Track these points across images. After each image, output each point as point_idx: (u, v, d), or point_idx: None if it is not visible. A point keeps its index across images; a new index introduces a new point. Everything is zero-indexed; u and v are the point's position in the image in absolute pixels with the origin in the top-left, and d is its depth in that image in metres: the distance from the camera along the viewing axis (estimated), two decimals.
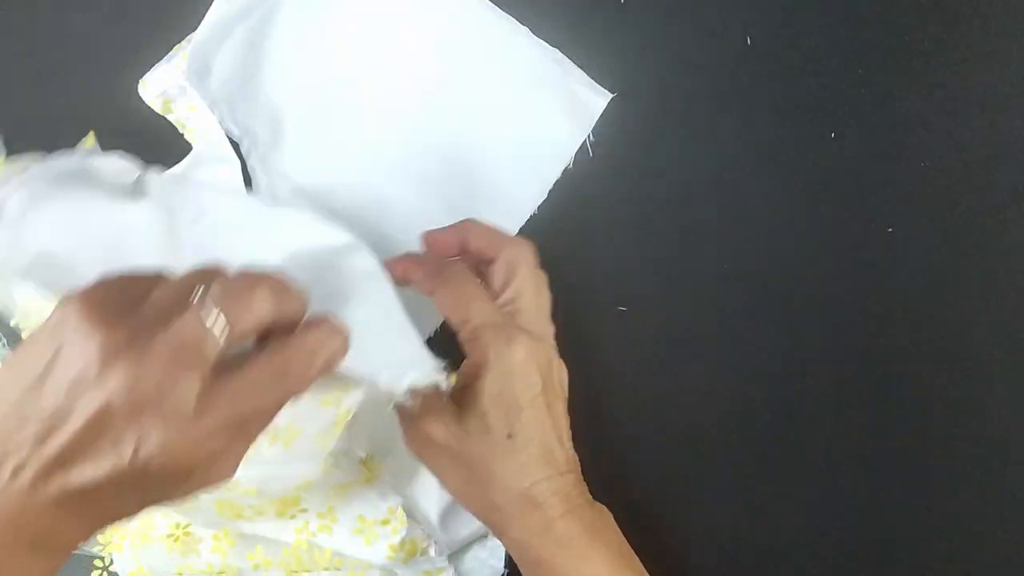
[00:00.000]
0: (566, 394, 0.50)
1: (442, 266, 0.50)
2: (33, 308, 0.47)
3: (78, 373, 0.35)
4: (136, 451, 0.35)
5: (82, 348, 0.35)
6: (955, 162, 0.57)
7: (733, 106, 0.58)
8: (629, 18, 0.59)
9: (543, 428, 0.48)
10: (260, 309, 0.38)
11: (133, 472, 0.36)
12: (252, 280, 0.39)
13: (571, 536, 0.47)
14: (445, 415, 0.48)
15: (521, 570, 0.49)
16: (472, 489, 0.49)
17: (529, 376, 0.48)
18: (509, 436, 0.47)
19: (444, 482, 0.50)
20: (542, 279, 0.51)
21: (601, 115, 0.58)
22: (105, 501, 0.37)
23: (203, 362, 0.36)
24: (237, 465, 0.39)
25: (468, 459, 0.48)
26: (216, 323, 0.37)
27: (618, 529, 0.49)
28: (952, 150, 0.57)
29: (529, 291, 0.50)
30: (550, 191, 0.58)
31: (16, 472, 0.35)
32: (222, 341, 0.37)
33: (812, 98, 0.58)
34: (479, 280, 0.51)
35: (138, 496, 0.38)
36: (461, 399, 0.48)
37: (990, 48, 0.58)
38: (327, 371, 0.40)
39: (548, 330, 0.50)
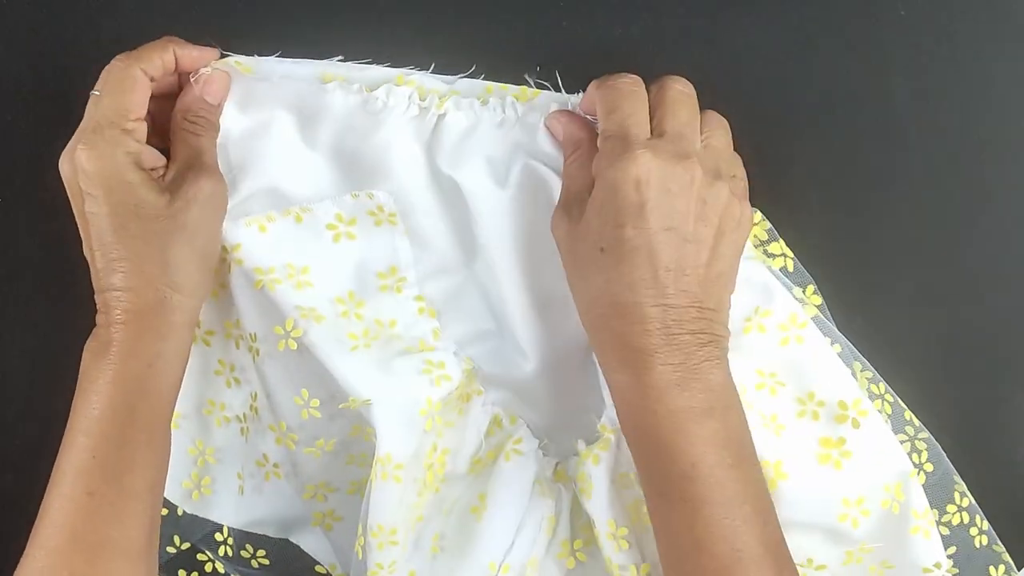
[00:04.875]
0: (724, 227, 0.46)
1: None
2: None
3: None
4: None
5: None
6: None
7: None
8: None
9: (642, 252, 0.44)
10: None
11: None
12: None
13: (646, 370, 0.45)
14: (570, 211, 0.48)
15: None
16: (574, 291, 0.49)
17: (634, 193, 0.44)
18: (601, 250, 0.45)
19: (565, 270, 0.49)
20: (691, 98, 0.48)
21: None
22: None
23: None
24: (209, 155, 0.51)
25: (575, 260, 0.47)
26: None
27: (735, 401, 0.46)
28: None
29: (679, 108, 0.47)
30: None
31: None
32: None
33: None
34: (646, 98, 0.48)
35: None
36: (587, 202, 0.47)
37: None
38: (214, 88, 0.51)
39: (694, 144, 0.46)
